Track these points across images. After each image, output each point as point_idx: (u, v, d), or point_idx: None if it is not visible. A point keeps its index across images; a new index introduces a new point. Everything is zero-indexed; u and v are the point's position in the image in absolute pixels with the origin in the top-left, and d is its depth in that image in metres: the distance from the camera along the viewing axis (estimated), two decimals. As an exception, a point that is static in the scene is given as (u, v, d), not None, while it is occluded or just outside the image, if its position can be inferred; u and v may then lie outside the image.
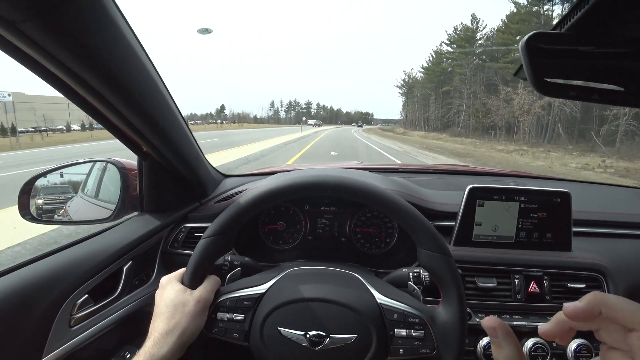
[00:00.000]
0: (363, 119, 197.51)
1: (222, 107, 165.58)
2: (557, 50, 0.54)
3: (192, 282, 0.59)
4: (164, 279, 0.61)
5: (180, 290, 0.58)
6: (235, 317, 0.59)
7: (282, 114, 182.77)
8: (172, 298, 0.57)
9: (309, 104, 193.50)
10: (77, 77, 0.52)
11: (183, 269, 0.62)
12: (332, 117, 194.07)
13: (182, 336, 0.55)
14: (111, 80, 0.56)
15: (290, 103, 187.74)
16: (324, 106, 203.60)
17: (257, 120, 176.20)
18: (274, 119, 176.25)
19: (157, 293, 0.60)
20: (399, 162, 10.62)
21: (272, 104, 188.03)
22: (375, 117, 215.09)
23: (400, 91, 76.42)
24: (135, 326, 0.80)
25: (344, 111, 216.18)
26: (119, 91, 0.59)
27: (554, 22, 0.50)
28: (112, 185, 0.96)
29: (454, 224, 0.88)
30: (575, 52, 0.55)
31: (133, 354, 0.80)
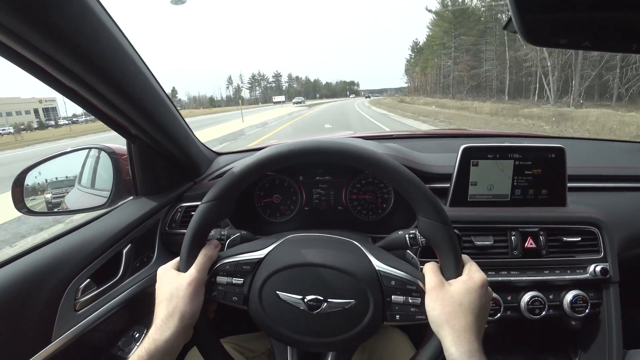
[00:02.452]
0: (348, 89, 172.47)
1: (174, 91, 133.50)
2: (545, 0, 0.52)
3: (186, 261, 0.60)
4: (160, 269, 0.62)
5: (174, 276, 0.59)
6: (234, 281, 0.60)
7: (246, 93, 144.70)
8: (168, 285, 0.58)
9: (277, 76, 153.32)
10: (50, 58, 0.51)
11: (178, 258, 0.62)
12: (308, 90, 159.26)
13: (182, 319, 0.55)
14: (86, 61, 0.54)
15: (254, 77, 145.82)
16: (297, 77, 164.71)
17: (213, 104, 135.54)
18: (233, 101, 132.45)
19: (156, 284, 0.61)
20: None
21: (230, 80, 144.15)
22: (361, 87, 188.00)
23: (412, 53, 69.61)
24: (142, 307, 0.82)
25: (324, 82, 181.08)
26: (97, 72, 0.57)
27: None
28: (106, 172, 0.95)
29: (449, 185, 0.88)
30: (564, 1, 0.53)
31: (142, 333, 0.83)
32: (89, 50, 0.54)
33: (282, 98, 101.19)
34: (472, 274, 0.54)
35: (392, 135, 1.33)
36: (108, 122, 0.74)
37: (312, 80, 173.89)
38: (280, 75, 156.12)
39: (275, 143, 1.26)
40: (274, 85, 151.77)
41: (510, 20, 0.50)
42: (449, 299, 0.51)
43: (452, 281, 0.54)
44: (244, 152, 1.19)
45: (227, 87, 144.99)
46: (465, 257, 0.58)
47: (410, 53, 73.70)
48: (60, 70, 0.54)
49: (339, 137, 1.24)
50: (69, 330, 0.68)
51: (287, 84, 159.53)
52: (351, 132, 1.40)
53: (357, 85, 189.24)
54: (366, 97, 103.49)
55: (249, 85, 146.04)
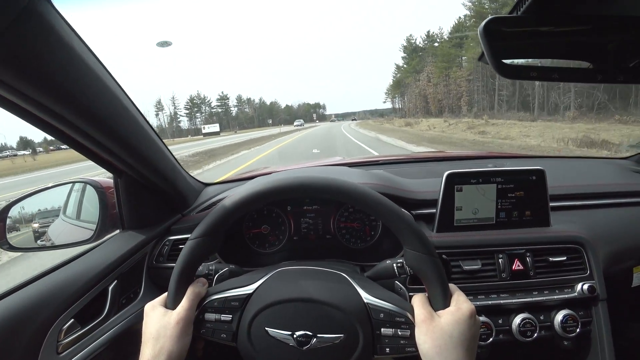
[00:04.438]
0: (314, 112, 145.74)
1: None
2: (515, 33, 0.55)
3: (174, 299, 0.59)
4: (147, 306, 0.61)
5: (161, 314, 0.58)
6: (222, 318, 0.59)
7: (183, 120, 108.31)
8: (155, 323, 0.57)
9: (223, 98, 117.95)
10: (35, 102, 0.51)
11: (166, 294, 0.61)
12: (263, 114, 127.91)
13: None
14: (71, 102, 0.55)
15: (192, 101, 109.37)
16: (248, 100, 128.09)
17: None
18: (166, 132, 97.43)
19: (143, 322, 0.60)
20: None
21: (160, 105, 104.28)
22: (328, 110, 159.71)
23: (404, 54, 65.81)
24: (128, 345, 0.79)
25: (283, 104, 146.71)
26: (82, 112, 0.58)
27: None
28: (92, 205, 0.94)
29: (435, 210, 0.90)
30: (532, 34, 0.56)
31: None
32: (76, 93, 0.55)
33: (215, 128, 75.68)
34: (460, 305, 0.54)
35: (377, 160, 1.35)
36: (95, 158, 0.74)
37: (267, 103, 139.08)
38: (227, 98, 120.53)
39: (263, 172, 1.27)
40: (220, 110, 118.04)
41: (483, 54, 0.53)
42: (439, 332, 0.51)
43: (441, 312, 0.54)
44: (232, 182, 1.20)
45: (157, 115, 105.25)
46: (452, 286, 0.58)
47: (404, 55, 67.14)
48: (46, 113, 0.54)
49: (326, 164, 1.25)
50: None
51: (235, 108, 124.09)
52: (339, 158, 1.42)
53: (324, 108, 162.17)
54: (352, 120, 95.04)
55: (187, 112, 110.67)
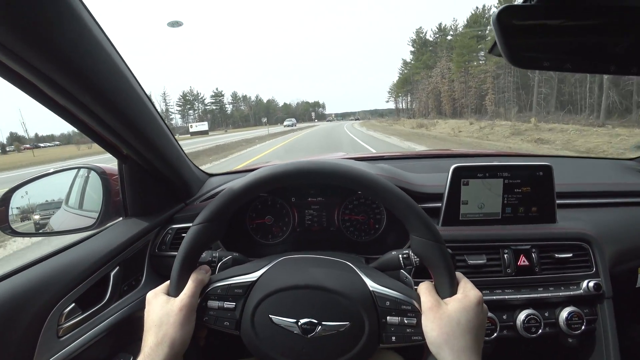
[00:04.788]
0: (313, 111, 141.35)
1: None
2: (529, 24, 0.55)
3: (176, 286, 0.58)
4: (150, 294, 0.60)
5: (164, 301, 0.57)
6: (226, 305, 0.58)
7: (175, 117, 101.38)
8: (158, 311, 0.56)
9: (218, 95, 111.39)
10: (45, 76, 0.51)
11: (169, 282, 0.61)
12: (259, 112, 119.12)
13: (172, 347, 0.54)
14: (81, 79, 0.55)
15: (184, 97, 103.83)
16: (244, 97, 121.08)
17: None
18: None
19: (145, 309, 0.59)
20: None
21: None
22: (327, 110, 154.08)
23: (413, 49, 60.73)
24: (128, 332, 0.79)
25: (281, 102, 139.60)
26: (91, 91, 0.57)
27: (524, -6, 0.50)
28: (95, 192, 0.94)
29: (440, 204, 0.89)
30: (546, 25, 0.56)
31: None
32: (85, 68, 0.54)
33: (204, 126, 67.57)
34: (467, 292, 0.54)
35: (383, 156, 1.35)
36: (100, 141, 0.74)
37: (264, 100, 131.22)
38: (222, 95, 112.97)
39: (269, 164, 1.27)
40: (214, 108, 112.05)
41: (495, 44, 0.53)
42: (447, 319, 0.51)
43: (448, 300, 0.54)
44: (237, 173, 1.19)
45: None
46: (459, 274, 0.58)
47: (412, 49, 61.45)
48: (54, 89, 0.54)
49: (330, 158, 1.25)
50: (51, 358, 0.64)
51: (230, 106, 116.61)
52: (343, 154, 1.41)
53: (323, 107, 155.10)
54: (355, 119, 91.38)
55: (179, 109, 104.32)
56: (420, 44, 60.16)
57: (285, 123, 61.98)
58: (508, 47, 0.51)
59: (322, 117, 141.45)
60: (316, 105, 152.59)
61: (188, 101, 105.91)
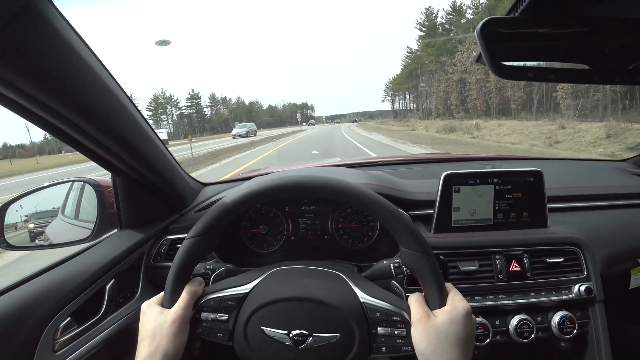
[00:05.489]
0: (297, 114, 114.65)
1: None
2: (512, 34, 0.56)
3: (170, 297, 0.59)
4: (144, 305, 0.61)
5: (158, 312, 0.58)
6: (219, 317, 0.59)
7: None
8: (151, 321, 0.57)
9: (194, 97, 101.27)
10: (34, 99, 0.51)
11: (163, 293, 0.61)
12: (241, 115, 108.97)
13: (165, 358, 0.54)
14: (70, 99, 0.55)
15: (156, 99, 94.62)
16: (224, 99, 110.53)
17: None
18: None
19: (140, 320, 0.60)
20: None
21: None
22: (316, 112, 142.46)
23: (422, 31, 50.03)
24: (125, 345, 0.79)
25: (264, 105, 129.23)
26: (80, 110, 0.58)
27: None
28: (90, 204, 0.94)
29: (432, 211, 0.90)
30: (529, 35, 0.57)
31: None
32: (75, 90, 0.55)
33: (162, 134, 38.60)
34: (456, 304, 0.55)
35: (376, 162, 1.35)
36: (93, 157, 0.74)
37: (246, 102, 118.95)
38: (199, 97, 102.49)
39: (262, 173, 1.27)
40: (191, 111, 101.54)
41: (481, 55, 0.54)
42: (435, 331, 0.51)
43: (437, 312, 0.54)
44: (231, 182, 1.20)
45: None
46: (448, 285, 0.58)
47: (421, 32, 50.32)
48: (45, 110, 0.54)
49: (324, 165, 1.26)
50: None
51: (209, 109, 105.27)
52: (338, 159, 1.42)
53: (312, 108, 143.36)
54: (353, 121, 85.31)
55: (150, 114, 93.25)
56: (430, 27, 49.51)
57: (234, 132, 40.27)
58: (492, 58, 0.52)
59: (310, 119, 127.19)
60: (304, 107, 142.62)
61: (160, 105, 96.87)
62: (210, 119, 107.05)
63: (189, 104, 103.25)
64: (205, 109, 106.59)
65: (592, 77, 0.57)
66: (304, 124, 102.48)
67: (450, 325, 0.52)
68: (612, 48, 0.56)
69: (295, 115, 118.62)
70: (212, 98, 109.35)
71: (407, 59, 58.87)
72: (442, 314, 0.53)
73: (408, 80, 59.97)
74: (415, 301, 0.56)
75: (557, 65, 0.64)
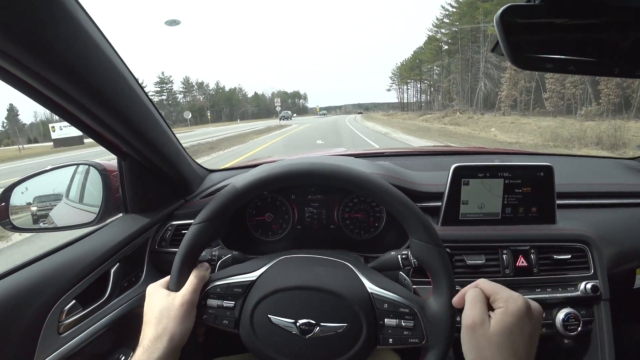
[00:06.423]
0: (288, 104, 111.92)
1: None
2: (532, 24, 0.54)
3: (177, 281, 0.59)
4: (150, 287, 0.61)
5: (165, 295, 0.58)
6: (225, 304, 0.59)
7: None
8: (158, 304, 0.57)
9: (164, 81, 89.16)
10: (41, 77, 0.50)
11: (169, 276, 0.61)
12: (219, 104, 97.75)
13: (172, 341, 0.54)
14: (78, 80, 0.54)
15: None
16: (201, 83, 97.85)
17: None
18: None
19: (145, 302, 0.60)
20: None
21: None
22: (310, 103, 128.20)
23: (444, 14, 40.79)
24: (129, 328, 0.80)
25: (250, 92, 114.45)
26: (88, 91, 0.57)
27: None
28: (95, 188, 0.94)
29: (440, 204, 0.89)
30: (549, 25, 0.55)
31: (128, 356, 0.80)
32: (81, 68, 0.54)
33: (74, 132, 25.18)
34: (509, 306, 0.47)
35: (383, 152, 1.34)
36: (99, 139, 0.73)
37: (227, 89, 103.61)
38: (171, 82, 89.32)
39: (268, 160, 1.26)
40: (164, 98, 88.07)
41: (497, 43, 0.52)
42: (486, 342, 0.46)
43: (493, 317, 0.48)
44: (237, 170, 1.19)
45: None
46: (498, 285, 0.51)
47: (442, 14, 41.12)
48: (50, 89, 0.53)
49: (331, 154, 1.24)
50: (52, 354, 0.65)
51: (182, 95, 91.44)
52: (343, 149, 1.41)
53: (305, 98, 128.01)
54: (358, 113, 79.98)
55: None
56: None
57: (281, 114, 40.18)
58: (510, 48, 0.50)
59: (303, 111, 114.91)
60: (296, 95, 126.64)
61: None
62: (181, 106, 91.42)
63: (158, 89, 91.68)
64: (177, 95, 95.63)
65: (613, 69, 0.55)
66: (295, 115, 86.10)
67: (505, 335, 0.45)
68: (634, 40, 0.54)
69: (285, 103, 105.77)
70: (186, 82, 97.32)
71: (434, 28, 45.69)
72: (495, 320, 0.47)
73: (435, 58, 48.75)
74: (472, 300, 0.50)
75: (576, 57, 0.62)
